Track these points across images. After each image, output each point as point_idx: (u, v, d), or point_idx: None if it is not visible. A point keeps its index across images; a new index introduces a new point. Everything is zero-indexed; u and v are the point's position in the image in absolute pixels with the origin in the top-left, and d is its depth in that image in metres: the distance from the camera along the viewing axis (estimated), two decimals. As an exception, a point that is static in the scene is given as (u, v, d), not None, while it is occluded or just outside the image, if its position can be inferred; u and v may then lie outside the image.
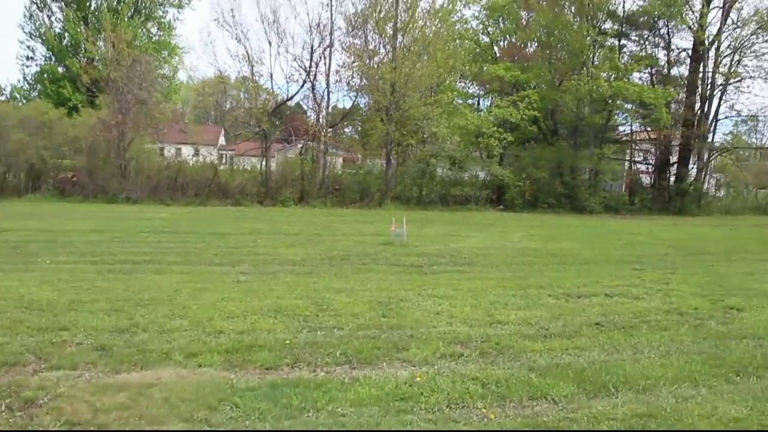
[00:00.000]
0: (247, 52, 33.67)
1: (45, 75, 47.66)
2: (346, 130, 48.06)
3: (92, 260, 12.58)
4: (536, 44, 42.05)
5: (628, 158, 42.84)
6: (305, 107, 44.34)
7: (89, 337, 6.87)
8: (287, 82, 35.79)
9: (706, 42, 37.03)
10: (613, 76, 35.05)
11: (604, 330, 7.80)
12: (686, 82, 38.88)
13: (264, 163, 34.12)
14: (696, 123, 38.15)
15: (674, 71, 40.53)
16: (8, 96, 47.63)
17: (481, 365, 6.31)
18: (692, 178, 38.92)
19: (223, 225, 20.95)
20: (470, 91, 43.86)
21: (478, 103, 43.54)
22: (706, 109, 38.52)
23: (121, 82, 30.01)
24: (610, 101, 36.12)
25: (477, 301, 9.21)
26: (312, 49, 34.65)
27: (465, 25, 40.63)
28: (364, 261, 13.49)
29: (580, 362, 6.49)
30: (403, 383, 5.67)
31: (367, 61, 34.83)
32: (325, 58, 35.26)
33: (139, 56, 32.00)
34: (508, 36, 43.65)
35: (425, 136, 35.62)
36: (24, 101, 46.42)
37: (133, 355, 6.27)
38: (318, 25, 34.43)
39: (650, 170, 41.45)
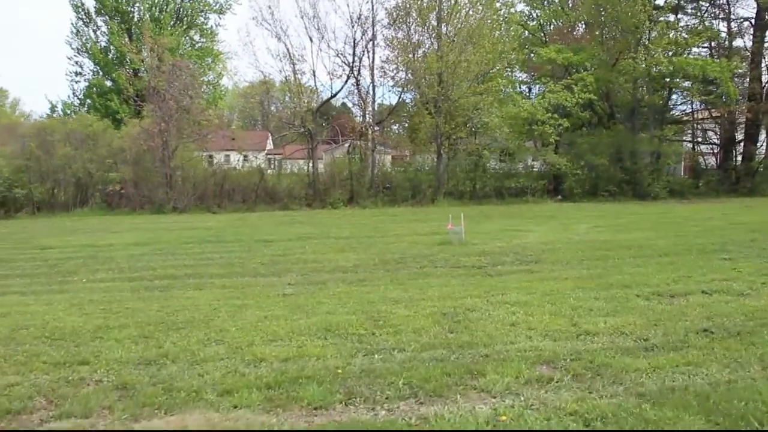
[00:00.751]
0: (287, 49, 32.88)
1: (93, 89, 47.91)
2: (393, 127, 46.91)
3: (130, 276, 11.77)
4: (584, 25, 40.32)
5: (689, 139, 40.64)
6: (350, 104, 43.39)
7: (111, 372, 5.90)
8: (330, 79, 34.71)
9: (772, 7, 34.78)
10: (671, 52, 33.05)
11: (715, 338, 6.49)
12: (750, 53, 36.44)
13: (311, 164, 33.21)
14: (764, 96, 35.80)
15: (736, 43, 38.17)
16: (60, 112, 47.96)
17: (577, 393, 5.09)
18: (762, 156, 36.60)
19: (270, 231, 20.07)
20: (519, 77, 42.32)
21: (529, 90, 41.84)
22: (774, 81, 36.18)
23: (162, 88, 29.48)
24: (669, 79, 34.17)
25: (556, 307, 7.97)
26: (354, 42, 33.70)
27: (511, 9, 39.03)
28: (421, 264, 12.36)
29: (700, 384, 5.23)
30: (485, 423, 4.51)
31: (411, 54, 33.61)
32: (368, 52, 34.27)
33: (179, 61, 31.46)
34: (554, 20, 41.89)
35: (477, 127, 34.25)
36: (74, 116, 46.70)
37: (157, 394, 5.25)
38: (359, 18, 33.40)
39: (715, 150, 39.11)
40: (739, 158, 37.61)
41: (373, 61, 34.44)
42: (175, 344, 6.74)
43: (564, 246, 14.54)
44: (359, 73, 34.51)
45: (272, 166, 42.99)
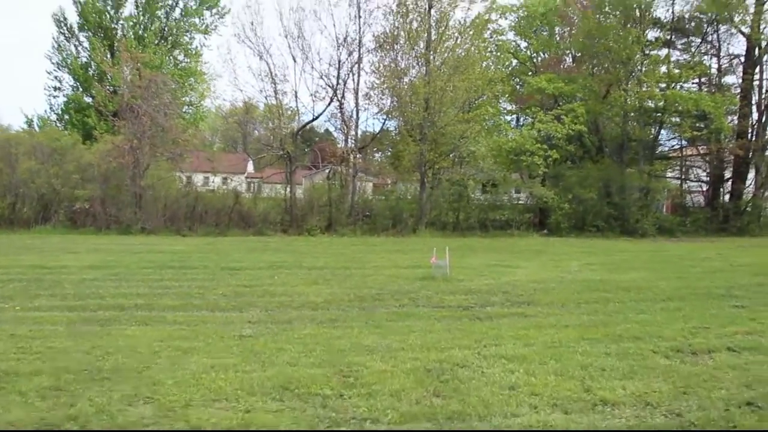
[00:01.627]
0: (269, 68, 31.58)
1: (71, 104, 46.62)
2: (375, 155, 45.74)
3: (72, 305, 10.36)
4: (573, 57, 39.68)
5: (676, 176, 39.75)
6: (333, 128, 42.16)
7: (-3, 442, 4.54)
8: (313, 101, 33.30)
9: (762, 44, 34.18)
10: (663, 85, 32.32)
11: (765, 415, 5.25)
12: (740, 89, 35.74)
13: (288, 189, 31.77)
14: (754, 134, 35.12)
15: (725, 80, 37.58)
16: (37, 126, 46.39)
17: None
18: (750, 195, 35.76)
19: (240, 258, 18.67)
20: (506, 108, 41.27)
21: (517, 120, 40.80)
22: (763, 119, 35.41)
23: (135, 104, 28.07)
24: (660, 114, 33.39)
25: (561, 364, 6.69)
26: (339, 64, 32.41)
27: (501, 36, 38.17)
28: (401, 302, 11.06)
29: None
30: None
31: (397, 81, 32.52)
32: (353, 75, 33.09)
33: (155, 76, 29.93)
34: (542, 52, 41.02)
35: (462, 156, 33.10)
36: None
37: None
38: (345, 39, 32.22)
39: (702, 188, 38.25)
40: (727, 197, 36.73)
41: (357, 85, 33.33)
42: (92, 402, 5.38)
43: (557, 285, 13.31)
44: (343, 96, 33.35)
45: (252, 190, 41.65)
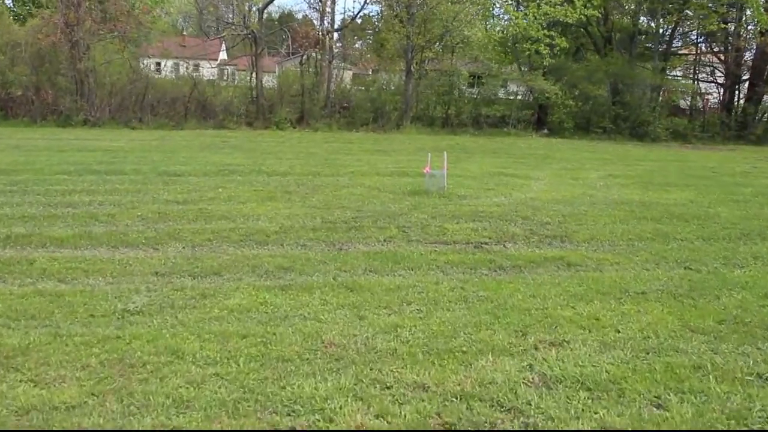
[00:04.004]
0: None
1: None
2: (356, 45, 41.56)
3: None
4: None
5: (689, 76, 36.06)
6: (307, 5, 37.73)
7: None
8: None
9: None
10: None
11: None
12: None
13: (254, 75, 27.74)
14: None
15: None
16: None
17: None
18: (769, 99, 32.32)
19: (187, 158, 15.25)
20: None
21: (518, 4, 36.22)
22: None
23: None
24: (682, 2, 29.33)
25: (696, 410, 3.52)
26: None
27: None
28: (386, 233, 7.92)
29: None
30: None
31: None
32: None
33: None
34: None
35: (455, 43, 29.05)
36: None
37: None
38: None
39: (719, 90, 34.62)
40: (742, 101, 33.23)
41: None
42: None
43: (588, 209, 10.13)
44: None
45: (226, 78, 37.92)
